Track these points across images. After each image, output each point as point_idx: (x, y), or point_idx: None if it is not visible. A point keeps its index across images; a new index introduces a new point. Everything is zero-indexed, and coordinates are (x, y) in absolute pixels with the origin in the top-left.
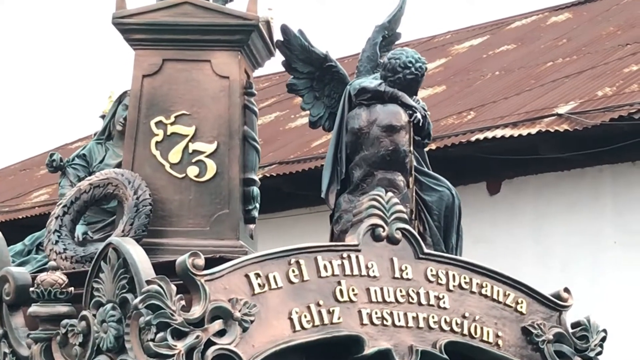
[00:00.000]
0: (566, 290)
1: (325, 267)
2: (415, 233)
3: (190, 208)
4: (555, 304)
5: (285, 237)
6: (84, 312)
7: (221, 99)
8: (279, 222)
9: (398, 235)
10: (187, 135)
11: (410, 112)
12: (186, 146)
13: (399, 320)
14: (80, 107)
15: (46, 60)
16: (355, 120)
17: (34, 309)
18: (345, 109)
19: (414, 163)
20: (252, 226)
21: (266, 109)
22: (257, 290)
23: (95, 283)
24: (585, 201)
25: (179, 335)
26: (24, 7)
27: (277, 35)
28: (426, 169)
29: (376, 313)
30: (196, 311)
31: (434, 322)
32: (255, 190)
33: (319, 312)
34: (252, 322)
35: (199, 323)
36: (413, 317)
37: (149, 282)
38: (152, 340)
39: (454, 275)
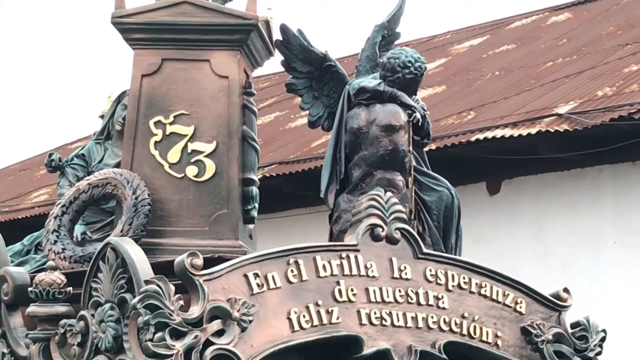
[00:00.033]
0: (565, 290)
1: (324, 267)
2: (415, 233)
3: (189, 208)
4: (555, 304)
5: (285, 237)
6: (82, 312)
7: (220, 99)
8: (279, 222)
9: (397, 235)
10: (186, 135)
11: (410, 111)
12: (185, 146)
13: (398, 320)
14: (79, 107)
15: (46, 60)
16: (355, 120)
17: (32, 308)
18: (344, 108)
19: (413, 163)
20: (251, 226)
21: (266, 109)
22: (255, 290)
23: (94, 283)
24: (585, 201)
25: (177, 335)
26: (24, 7)
27: (277, 35)
28: (425, 169)
29: (375, 313)
30: (195, 311)
31: (433, 322)
32: (255, 190)
33: (318, 312)
34: (250, 322)
35: (197, 323)
36: (412, 317)
37: (147, 282)
38: (151, 340)
39: (453, 275)
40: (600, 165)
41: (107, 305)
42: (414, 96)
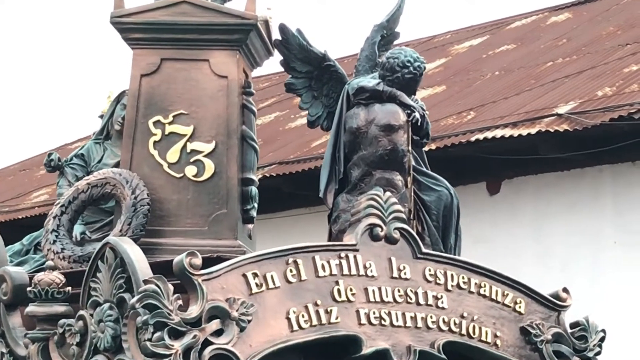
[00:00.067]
0: (565, 290)
1: (323, 266)
2: (414, 233)
3: (188, 208)
4: (554, 304)
5: (285, 237)
6: (81, 312)
7: (219, 99)
8: (279, 222)
9: (396, 235)
10: (185, 135)
11: (409, 111)
12: (184, 146)
13: (397, 320)
14: (79, 107)
15: (46, 60)
16: (354, 120)
17: (31, 308)
18: (343, 108)
19: (413, 163)
20: (250, 226)
21: (266, 109)
22: (254, 289)
23: (93, 283)
24: (585, 201)
25: (176, 335)
26: (24, 8)
27: (276, 35)
28: (425, 169)
29: (374, 313)
30: (193, 311)
31: (432, 322)
32: (254, 190)
33: (317, 312)
34: (249, 321)
35: (196, 323)
36: (411, 317)
37: (146, 282)
38: (149, 339)
39: (452, 275)
40: (600, 165)
41: (106, 305)
42: (413, 96)
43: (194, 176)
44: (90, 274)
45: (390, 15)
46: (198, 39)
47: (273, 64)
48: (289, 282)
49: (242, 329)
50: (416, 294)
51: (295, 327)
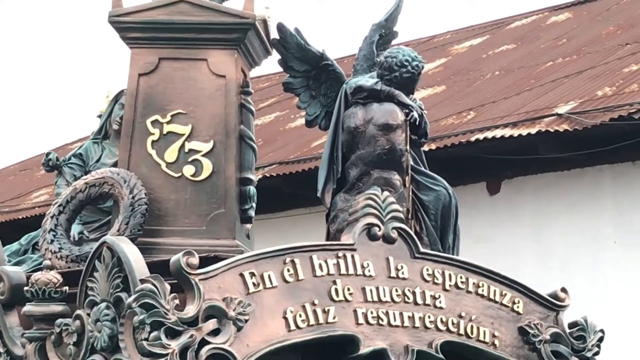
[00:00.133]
0: (563, 290)
1: (320, 266)
2: (412, 232)
3: (186, 207)
4: (552, 304)
5: (285, 237)
6: (78, 312)
7: (217, 98)
8: (279, 222)
9: (394, 234)
10: (183, 134)
11: (407, 110)
12: (182, 145)
13: (395, 320)
14: (79, 107)
15: (46, 61)
16: (352, 119)
17: (28, 308)
18: (341, 107)
19: (411, 162)
20: (248, 226)
21: (266, 109)
22: (251, 289)
23: (90, 282)
24: (585, 201)
25: (172, 334)
26: (24, 8)
27: (274, 34)
28: (423, 168)
29: (372, 312)
30: (190, 310)
31: (430, 322)
32: (252, 189)
33: (314, 312)
34: (246, 321)
35: (193, 322)
36: (409, 317)
37: (142, 281)
38: (146, 339)
39: (450, 275)
40: (600, 165)
41: (103, 305)
42: (411, 95)
43: (192, 176)
44: (87, 274)
45: (388, 15)
46: (196, 38)
47: (273, 64)
48: (286, 281)
49: (239, 329)
50: (414, 293)
51: (293, 326)
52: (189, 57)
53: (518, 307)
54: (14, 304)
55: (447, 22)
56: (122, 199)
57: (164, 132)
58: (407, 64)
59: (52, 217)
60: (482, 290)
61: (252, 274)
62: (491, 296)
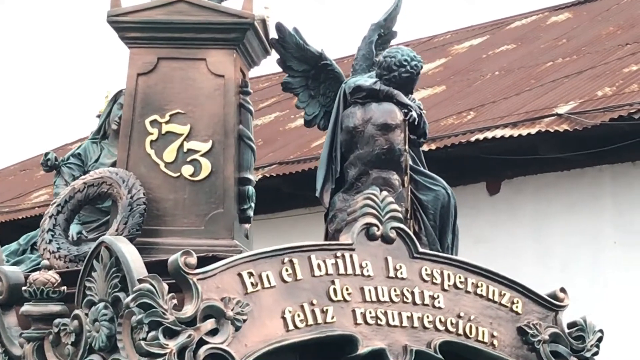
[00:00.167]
0: (562, 290)
1: (319, 266)
2: (410, 232)
3: (184, 207)
4: (551, 304)
5: (284, 237)
6: (76, 311)
7: (216, 98)
8: (279, 222)
9: (393, 234)
10: (182, 134)
11: (406, 110)
12: (181, 145)
13: (393, 320)
14: (79, 107)
15: (46, 61)
16: (350, 119)
17: (26, 308)
18: (340, 107)
19: (409, 162)
20: (247, 226)
21: (266, 109)
22: (250, 289)
23: (88, 282)
24: (585, 201)
25: (170, 334)
26: (24, 9)
27: (273, 34)
28: (422, 168)
29: (370, 312)
30: (188, 310)
31: (429, 322)
32: (251, 189)
33: (313, 312)
34: (244, 321)
35: (191, 322)
36: (407, 317)
37: (140, 281)
38: (144, 339)
39: (449, 275)
40: (600, 165)
41: (101, 305)
42: (410, 95)
43: (191, 175)
44: (86, 273)
45: (387, 15)
46: (195, 38)
47: (273, 64)
48: (284, 281)
49: (237, 329)
50: (412, 293)
51: (291, 326)
52: (188, 56)
53: (517, 307)
54: (12, 304)
55: (447, 22)
56: (120, 198)
57: (163, 132)
58: (405, 63)
59: (50, 217)
60: (481, 290)
61: (251, 274)
62: (490, 296)
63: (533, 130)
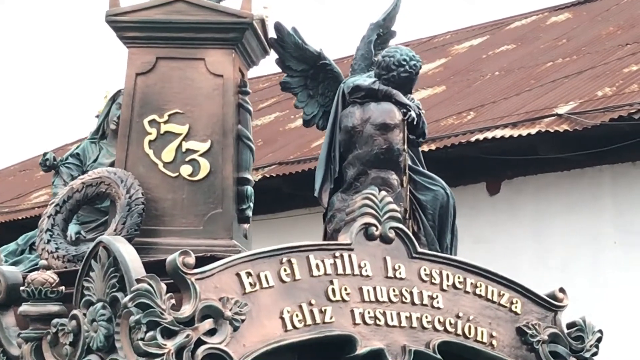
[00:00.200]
0: (561, 290)
1: (317, 266)
2: (409, 232)
3: (183, 207)
4: (551, 304)
5: (284, 237)
6: (74, 311)
7: (215, 98)
8: (279, 222)
9: (391, 234)
10: (180, 134)
11: (405, 110)
12: (179, 145)
13: (392, 320)
14: (79, 107)
15: (46, 61)
16: (349, 119)
17: (24, 308)
18: (338, 107)
19: (408, 162)
20: (246, 226)
21: (266, 110)
22: (248, 289)
23: (86, 282)
24: (585, 201)
25: (168, 334)
26: (24, 9)
27: (272, 34)
28: (421, 168)
29: (369, 313)
30: (186, 310)
31: (428, 322)
32: (249, 189)
33: (311, 312)
34: (243, 321)
35: (189, 322)
36: (406, 317)
37: (138, 281)
38: (142, 339)
39: (447, 275)
40: (600, 165)
41: (99, 305)
42: (409, 95)
43: (189, 175)
44: (84, 273)
45: (386, 14)
46: (193, 37)
47: (273, 65)
48: (283, 281)
49: (235, 329)
50: (411, 293)
51: (289, 326)
52: (187, 56)
53: (516, 307)
54: (10, 304)
55: (447, 22)
56: (119, 198)
57: (161, 131)
58: (404, 63)
59: (48, 217)
60: (480, 291)
61: (249, 274)
62: (489, 296)
63: (533, 131)
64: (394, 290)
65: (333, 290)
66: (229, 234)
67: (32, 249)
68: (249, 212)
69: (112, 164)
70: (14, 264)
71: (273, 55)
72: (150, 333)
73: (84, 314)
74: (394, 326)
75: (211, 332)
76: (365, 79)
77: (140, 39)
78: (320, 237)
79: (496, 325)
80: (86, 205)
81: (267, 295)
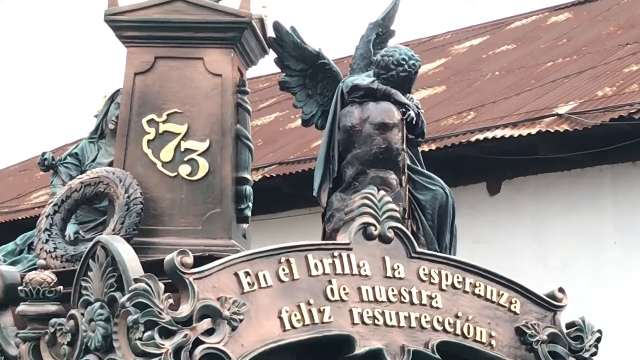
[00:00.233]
0: (560, 290)
1: (316, 265)
2: (408, 232)
3: (182, 207)
4: (550, 304)
5: (285, 238)
6: (72, 311)
7: (214, 97)
8: (279, 222)
9: (390, 234)
10: (179, 134)
11: (404, 109)
12: (178, 144)
13: (391, 320)
14: (79, 108)
15: (46, 61)
16: (348, 118)
17: (22, 307)
18: (337, 106)
19: (407, 161)
20: (244, 225)
21: (266, 110)
22: (246, 288)
23: (84, 281)
24: (585, 201)
25: (166, 334)
26: (24, 9)
27: (271, 33)
28: (420, 168)
29: (367, 312)
30: (184, 310)
31: (426, 322)
32: (248, 189)
33: (310, 311)
34: (241, 321)
35: (187, 322)
36: (405, 317)
37: (136, 280)
38: (140, 339)
39: (446, 275)
40: (600, 165)
41: (97, 304)
42: (408, 94)
43: (188, 175)
44: (82, 273)
45: (385, 14)
46: (192, 37)
47: (273, 65)
48: (281, 281)
49: (233, 328)
50: (410, 293)
51: (288, 326)
52: (185, 56)
53: (515, 307)
54: (8, 304)
55: (447, 22)
56: (117, 198)
57: (160, 131)
58: (403, 62)
59: (47, 217)
60: (479, 290)
61: (247, 274)
62: (488, 296)
63: (533, 130)
64: (392, 290)
65: (332, 290)
66: (228, 233)
67: (31, 249)
68: (248, 212)
69: (110, 164)
70: (13, 263)
71: (272, 55)
72: (148, 333)
73: (82, 314)
74: (392, 326)
75: (209, 332)
76: (364, 79)
77: (139, 38)
78: (320, 237)
79: (495, 325)
80: (85, 205)
81: (266, 295)
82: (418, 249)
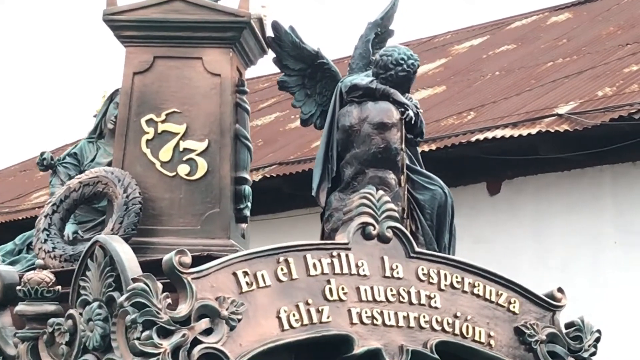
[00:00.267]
0: (560, 290)
1: (314, 265)
2: (407, 231)
3: (180, 207)
4: (549, 304)
5: (285, 238)
6: (70, 311)
7: (212, 97)
8: (279, 223)
9: (389, 233)
10: (178, 133)
11: (402, 109)
12: (177, 144)
13: (390, 320)
14: (79, 108)
15: (45, 61)
16: (346, 118)
17: (21, 307)
18: (336, 106)
19: (406, 161)
20: (243, 225)
21: (266, 110)
22: (244, 288)
23: (82, 281)
24: (585, 201)
25: (165, 333)
26: (24, 9)
27: (270, 33)
28: (419, 167)
29: (366, 312)
30: (182, 309)
31: (425, 322)
32: (247, 189)
33: (308, 311)
34: (239, 320)
35: (185, 321)
36: (404, 317)
37: (134, 280)
38: (138, 338)
39: (445, 275)
40: (600, 165)
41: (95, 304)
42: (407, 94)
43: (187, 175)
44: (80, 273)
45: (384, 13)
46: (191, 36)
47: (273, 65)
48: (279, 280)
49: (232, 328)
50: (409, 293)
51: (286, 326)
52: (184, 55)
53: (514, 307)
54: (7, 304)
55: (447, 22)
56: (116, 198)
57: (159, 131)
58: (402, 62)
59: (45, 217)
60: (478, 290)
61: (246, 273)
62: (487, 296)
63: (533, 131)
64: (391, 290)
65: (330, 289)
66: (227, 233)
67: (30, 249)
68: (247, 212)
69: (109, 164)
70: (11, 263)
71: (271, 54)
72: (147, 332)
73: (80, 314)
74: (391, 326)
75: (207, 332)
76: (363, 78)
77: (138, 38)
78: (319, 237)
79: (494, 325)
80: (83, 204)
81: (264, 295)
82: (417, 249)
